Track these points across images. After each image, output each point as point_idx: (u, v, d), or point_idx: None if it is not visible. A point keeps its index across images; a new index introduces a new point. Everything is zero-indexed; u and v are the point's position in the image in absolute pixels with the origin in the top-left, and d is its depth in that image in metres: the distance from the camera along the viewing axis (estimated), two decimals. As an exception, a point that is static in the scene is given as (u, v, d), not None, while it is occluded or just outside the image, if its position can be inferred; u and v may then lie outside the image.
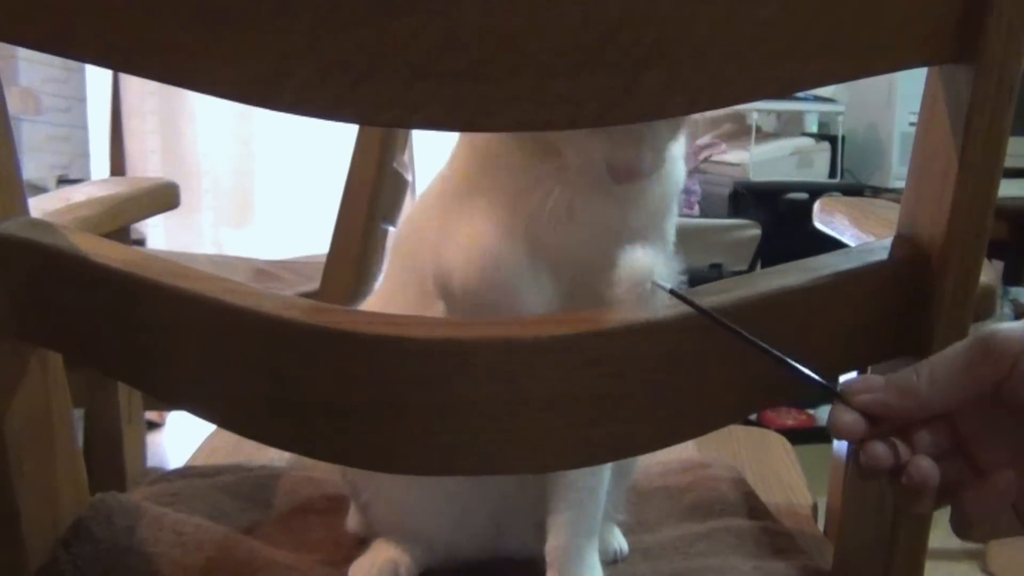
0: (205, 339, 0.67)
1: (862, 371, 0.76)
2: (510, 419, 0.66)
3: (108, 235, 1.00)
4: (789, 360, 0.62)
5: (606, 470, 0.83)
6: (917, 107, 0.71)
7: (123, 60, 0.62)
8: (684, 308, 0.65)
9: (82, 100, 3.29)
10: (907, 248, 0.70)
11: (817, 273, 0.68)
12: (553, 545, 0.82)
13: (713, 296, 0.66)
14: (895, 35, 0.63)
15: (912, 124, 0.72)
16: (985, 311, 0.74)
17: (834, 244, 0.94)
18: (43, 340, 0.71)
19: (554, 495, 0.83)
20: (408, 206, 1.80)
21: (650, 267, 0.66)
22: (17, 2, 0.59)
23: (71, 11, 0.59)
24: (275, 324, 0.64)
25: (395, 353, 0.65)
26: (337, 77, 0.58)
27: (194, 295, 0.65)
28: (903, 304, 0.69)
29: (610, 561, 0.91)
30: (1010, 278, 2.79)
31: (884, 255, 0.70)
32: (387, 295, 0.85)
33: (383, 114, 0.62)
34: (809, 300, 0.68)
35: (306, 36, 0.57)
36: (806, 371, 0.62)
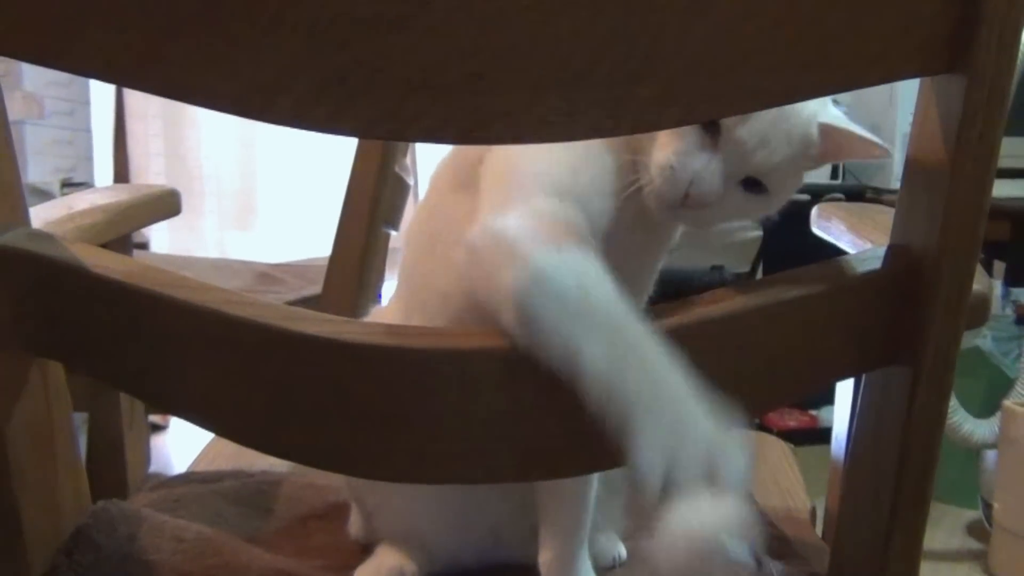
0: (205, 349, 0.67)
1: (856, 380, 0.76)
2: (509, 428, 0.67)
3: (110, 242, 1.01)
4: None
5: (594, 479, 0.84)
6: (919, 108, 0.71)
7: (121, 74, 0.62)
8: (678, 319, 0.65)
9: (86, 104, 3.29)
10: (900, 257, 0.70)
11: (811, 284, 0.69)
12: (546, 558, 0.83)
13: (709, 307, 0.67)
14: (887, 46, 0.64)
15: (914, 126, 0.73)
16: (977, 319, 0.75)
17: (834, 246, 0.94)
18: (43, 350, 0.71)
19: (544, 506, 0.83)
20: (410, 209, 1.80)
21: (720, 526, 0.57)
22: (15, 16, 0.60)
23: (69, 25, 0.59)
24: (274, 334, 0.65)
25: (395, 363, 0.66)
26: (333, 91, 0.59)
27: (193, 305, 0.65)
28: (896, 313, 0.70)
29: (609, 567, 0.91)
30: (1012, 279, 2.79)
31: (877, 264, 0.71)
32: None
33: (379, 127, 0.62)
34: (803, 310, 0.68)
35: (303, 50, 0.58)
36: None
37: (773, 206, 0.77)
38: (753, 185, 0.74)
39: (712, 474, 0.59)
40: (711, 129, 0.71)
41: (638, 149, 0.74)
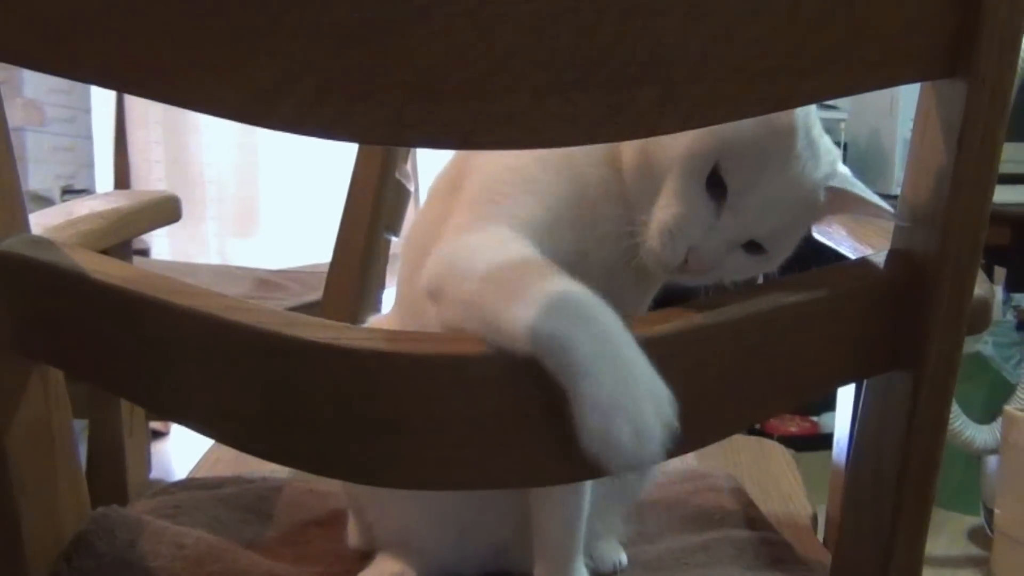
0: (204, 355, 0.67)
1: (858, 386, 0.76)
2: (506, 433, 0.66)
3: (110, 248, 1.01)
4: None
5: (587, 492, 0.83)
6: (920, 113, 0.71)
7: (122, 80, 0.62)
8: (678, 325, 0.65)
9: (86, 111, 3.30)
10: (902, 262, 0.70)
11: (812, 289, 0.69)
12: (540, 571, 0.83)
13: (711, 313, 0.66)
14: (888, 51, 0.64)
15: (915, 131, 0.72)
16: (979, 325, 0.74)
17: (834, 250, 0.94)
18: (44, 356, 0.71)
19: (537, 520, 0.83)
20: (411, 215, 1.80)
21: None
22: (17, 23, 0.60)
23: (71, 32, 0.59)
24: (273, 340, 0.65)
25: (395, 369, 0.65)
26: (333, 96, 0.59)
27: (193, 312, 0.65)
28: (898, 318, 0.70)
29: (609, 574, 0.91)
30: (1013, 285, 2.78)
31: (879, 270, 0.71)
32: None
33: (379, 132, 0.62)
34: (804, 316, 0.68)
35: (303, 56, 0.58)
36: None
37: (773, 264, 0.75)
38: (754, 247, 0.72)
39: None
40: (716, 192, 0.69)
41: (638, 205, 0.72)
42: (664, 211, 0.70)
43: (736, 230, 0.70)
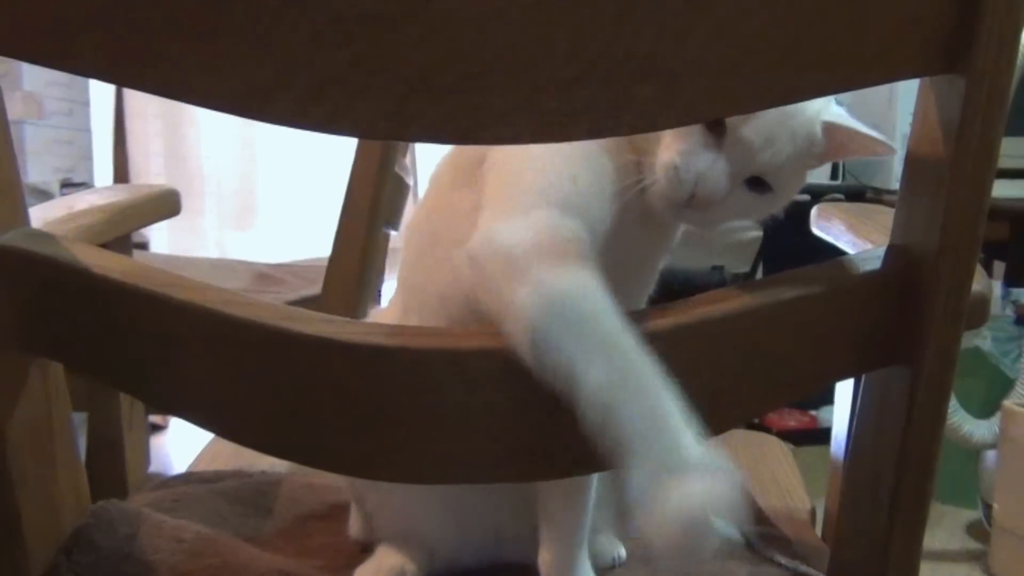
0: (203, 349, 0.67)
1: (856, 380, 0.76)
2: (509, 427, 0.67)
3: (110, 242, 1.01)
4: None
5: (594, 479, 0.84)
6: (918, 109, 0.71)
7: (121, 74, 0.62)
8: (677, 320, 0.65)
9: (85, 104, 3.29)
10: (900, 258, 0.70)
11: (811, 284, 0.69)
12: (546, 558, 0.83)
13: (709, 307, 0.67)
14: (887, 47, 0.64)
15: (913, 126, 0.73)
16: (977, 320, 0.75)
17: (834, 246, 0.94)
18: (44, 350, 0.71)
19: (543, 506, 0.83)
20: (410, 209, 1.80)
21: (707, 503, 0.57)
22: (15, 16, 0.60)
23: (68, 25, 0.59)
24: (273, 334, 0.65)
25: (394, 363, 0.66)
26: (333, 91, 0.59)
27: (192, 306, 0.65)
28: (896, 313, 0.70)
29: (608, 567, 0.91)
30: (1012, 279, 2.79)
31: (877, 265, 0.71)
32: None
33: (379, 127, 0.62)
34: (803, 311, 0.68)
35: (303, 50, 0.58)
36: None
37: (778, 205, 0.77)
38: (758, 184, 0.73)
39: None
40: (715, 128, 0.71)
41: (641, 149, 0.74)
42: (666, 151, 0.72)
43: (737, 161, 0.72)
